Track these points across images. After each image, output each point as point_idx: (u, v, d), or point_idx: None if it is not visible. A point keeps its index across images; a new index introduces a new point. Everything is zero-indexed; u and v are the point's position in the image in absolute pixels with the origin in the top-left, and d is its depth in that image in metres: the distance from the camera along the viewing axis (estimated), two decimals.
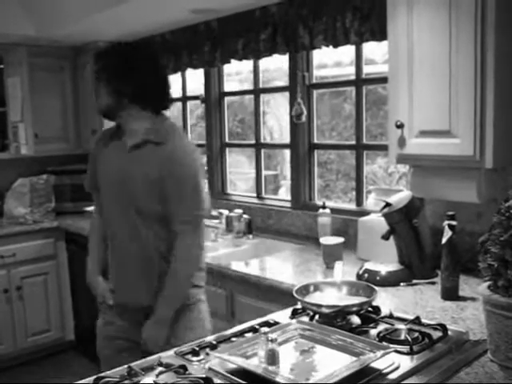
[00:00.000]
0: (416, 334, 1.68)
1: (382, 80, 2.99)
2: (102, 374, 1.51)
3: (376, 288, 1.90)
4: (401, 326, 1.73)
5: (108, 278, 2.29)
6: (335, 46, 2.92)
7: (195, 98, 4.23)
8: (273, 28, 3.21)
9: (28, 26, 3.94)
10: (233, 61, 3.53)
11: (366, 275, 2.39)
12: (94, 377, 1.49)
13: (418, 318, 1.80)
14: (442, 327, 1.71)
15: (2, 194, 4.47)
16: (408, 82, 2.24)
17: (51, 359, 4.32)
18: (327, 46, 2.95)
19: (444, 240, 2.15)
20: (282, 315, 1.95)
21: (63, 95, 4.64)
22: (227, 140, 4.09)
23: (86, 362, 4.18)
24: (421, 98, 2.21)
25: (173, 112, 4.91)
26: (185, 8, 3.32)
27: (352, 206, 3.25)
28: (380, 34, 2.66)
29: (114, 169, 2.17)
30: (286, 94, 3.58)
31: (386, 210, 2.45)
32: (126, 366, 1.53)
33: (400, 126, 2.26)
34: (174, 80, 4.48)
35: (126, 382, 1.46)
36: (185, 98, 4.40)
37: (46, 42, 4.28)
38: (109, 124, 4.37)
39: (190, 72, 4.18)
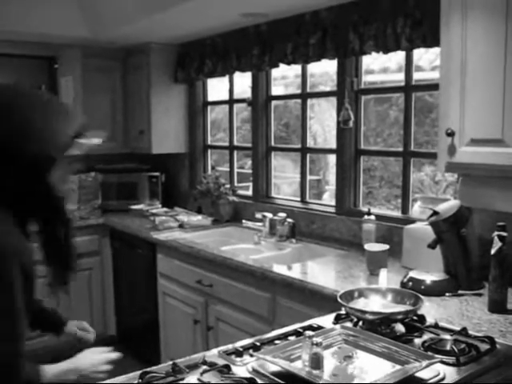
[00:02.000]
0: (462, 346, 1.65)
1: (432, 87, 2.97)
2: (148, 369, 1.54)
3: (421, 297, 1.88)
4: (447, 336, 1.71)
5: None
6: (385, 51, 2.90)
7: (242, 100, 4.26)
8: (322, 32, 3.21)
9: (83, 27, 4.04)
10: (281, 65, 3.54)
11: (411, 283, 2.36)
12: (140, 372, 1.52)
13: (464, 328, 1.77)
14: (490, 340, 1.68)
15: None
16: (460, 89, 2.20)
17: None
18: (377, 51, 2.93)
19: (493, 251, 2.11)
20: (326, 320, 1.94)
21: (113, 95, 4.74)
22: (273, 144, 4.10)
23: (127, 358, 4.23)
24: (473, 105, 2.17)
25: (218, 114, 4.97)
26: (235, 12, 3.36)
27: (397, 214, 3.22)
28: (432, 41, 2.63)
29: None
30: (331, 99, 3.57)
31: (433, 218, 2.42)
32: (171, 362, 1.56)
33: (450, 134, 2.22)
34: (221, 83, 4.54)
35: (170, 378, 1.49)
36: (232, 101, 4.43)
37: (100, 43, 4.39)
38: (157, 125, 4.48)
39: (236, 75, 4.20)
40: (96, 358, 1.74)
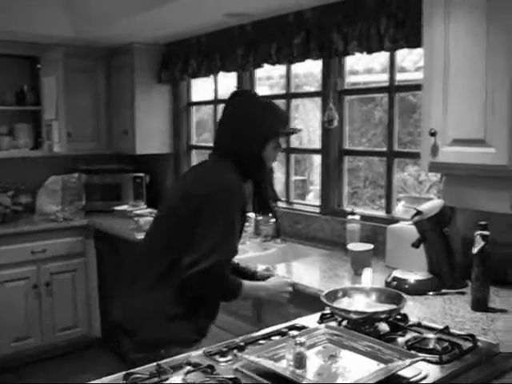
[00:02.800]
0: (445, 344, 1.66)
1: (415, 87, 2.98)
2: (132, 370, 1.53)
3: (405, 296, 1.89)
4: (430, 335, 1.72)
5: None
6: (369, 52, 2.91)
7: None
8: (306, 33, 3.21)
9: (66, 27, 4.01)
10: (265, 65, 3.54)
11: (395, 283, 2.37)
12: (124, 373, 1.51)
13: (447, 327, 1.78)
14: (472, 338, 1.70)
15: (34, 191, 4.55)
16: (443, 89, 2.22)
17: (77, 355, 4.38)
18: (361, 52, 2.95)
19: (476, 250, 2.13)
20: (310, 320, 1.95)
21: (96, 95, 4.71)
22: None
23: (111, 358, 4.22)
24: (455, 106, 2.19)
25: (203, 115, 4.96)
26: (220, 12, 3.35)
27: (381, 214, 3.23)
28: (415, 41, 2.64)
29: None
30: (316, 100, 3.58)
31: (416, 217, 2.44)
32: (155, 363, 1.55)
33: (433, 134, 2.24)
34: (206, 83, 4.52)
35: (154, 379, 1.48)
36: (216, 101, 4.42)
37: (83, 42, 4.36)
38: (141, 126, 4.46)
39: (220, 75, 4.19)
40: (281, 281, 2.25)
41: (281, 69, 3.75)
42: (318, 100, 3.51)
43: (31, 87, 4.65)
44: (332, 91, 3.33)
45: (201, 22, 3.70)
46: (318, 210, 3.53)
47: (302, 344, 1.46)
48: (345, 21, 3.00)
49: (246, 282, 2.07)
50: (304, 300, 2.45)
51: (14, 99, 4.55)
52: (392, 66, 3.10)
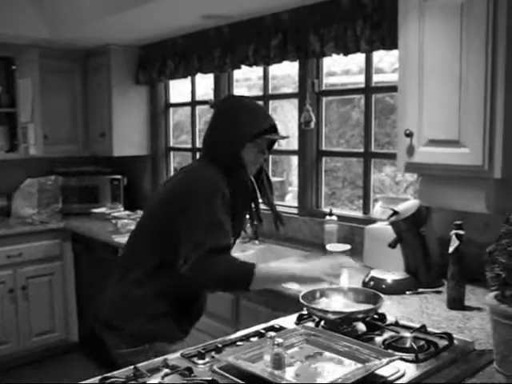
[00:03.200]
0: (422, 343, 1.68)
1: (392, 89, 3.01)
2: (108, 375, 1.52)
3: (382, 296, 1.90)
4: (406, 333, 1.73)
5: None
6: (346, 53, 2.93)
7: (204, 102, 4.25)
8: (283, 34, 3.23)
9: (42, 28, 3.97)
10: (243, 67, 3.54)
11: (372, 283, 2.39)
12: (100, 377, 1.50)
13: (423, 326, 1.80)
14: (448, 336, 1.71)
15: (10, 194, 4.50)
16: (418, 90, 2.25)
17: (54, 360, 4.32)
18: (338, 53, 2.97)
19: (451, 249, 2.15)
20: (288, 320, 1.95)
21: (73, 97, 4.67)
22: None
23: (89, 363, 4.18)
24: (430, 106, 2.22)
25: (181, 116, 4.94)
26: (196, 14, 3.35)
27: (359, 214, 3.25)
28: (391, 43, 2.67)
29: None
30: (294, 101, 3.58)
31: (393, 218, 2.45)
32: (132, 366, 1.54)
33: (409, 135, 2.27)
34: (184, 85, 4.51)
35: (131, 382, 1.47)
36: (194, 103, 4.41)
37: (59, 44, 4.32)
38: (118, 127, 4.42)
39: (198, 77, 4.19)
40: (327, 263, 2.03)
41: (259, 70, 3.76)
42: (296, 101, 3.52)
43: (6, 89, 4.59)
44: (309, 92, 3.34)
45: (178, 24, 3.68)
46: (296, 211, 3.54)
47: (279, 345, 1.46)
48: (321, 22, 3.02)
49: (264, 267, 1.93)
50: (283, 301, 2.46)
51: None
52: (368, 68, 3.12)
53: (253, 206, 2.21)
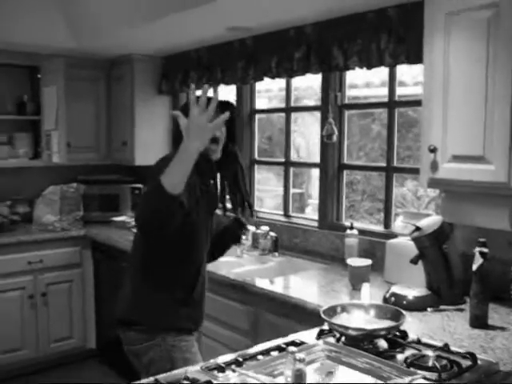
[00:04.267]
0: (444, 362, 1.65)
1: (415, 103, 3.00)
2: None
3: (404, 312, 1.89)
4: (429, 352, 1.71)
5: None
6: (369, 67, 2.92)
7: None
8: (307, 47, 3.23)
9: (68, 37, 4.02)
10: (266, 78, 3.55)
11: (393, 299, 2.37)
12: None
13: (446, 345, 1.77)
14: (472, 356, 1.69)
15: (32, 201, 4.54)
16: (443, 106, 2.24)
17: (72, 366, 4.34)
18: (361, 67, 2.96)
19: (475, 267, 2.13)
20: (308, 335, 1.93)
21: (96, 106, 4.71)
22: (256, 157, 4.11)
23: (106, 370, 4.20)
24: (455, 122, 2.20)
25: None
26: (222, 26, 3.37)
27: (380, 228, 3.23)
28: (415, 57, 2.66)
29: None
30: (315, 113, 3.58)
31: (415, 233, 2.43)
32: (152, 378, 1.54)
33: (433, 150, 2.25)
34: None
35: None
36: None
37: (83, 53, 4.37)
38: (140, 137, 4.45)
39: (220, 88, 4.20)
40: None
41: (280, 81, 3.76)
42: (318, 113, 3.52)
43: (31, 97, 4.66)
44: (331, 105, 3.34)
45: (202, 35, 3.71)
46: (316, 224, 3.53)
47: (301, 360, 1.45)
48: (345, 35, 3.01)
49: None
50: (302, 314, 2.45)
51: (15, 109, 4.56)
52: (392, 81, 3.11)
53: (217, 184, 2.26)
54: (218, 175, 2.27)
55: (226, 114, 1.76)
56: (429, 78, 2.29)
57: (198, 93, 1.77)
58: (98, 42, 3.97)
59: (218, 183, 2.28)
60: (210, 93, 1.77)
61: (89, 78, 4.64)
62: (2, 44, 4.01)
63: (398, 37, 2.76)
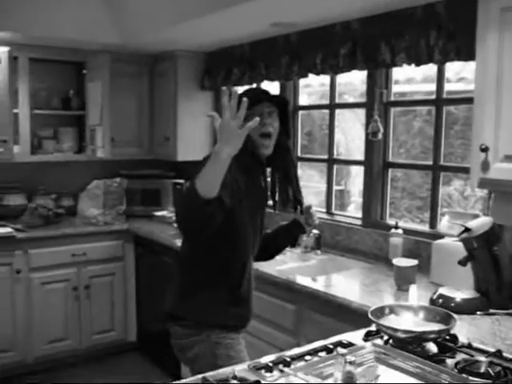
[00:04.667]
0: (498, 369, 1.61)
1: (465, 100, 2.93)
2: (177, 382, 1.52)
3: (455, 316, 1.84)
4: (481, 358, 1.66)
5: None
6: (418, 64, 2.86)
7: None
8: (353, 43, 3.18)
9: (113, 33, 4.06)
10: (310, 75, 3.52)
11: (441, 301, 2.32)
12: None
13: (499, 351, 1.73)
14: None
15: (77, 195, 4.63)
16: (495, 105, 2.17)
17: (112, 358, 4.41)
18: (409, 64, 2.90)
19: None
20: (355, 336, 1.91)
21: (140, 101, 4.76)
22: (299, 154, 4.08)
23: (146, 363, 4.25)
24: (508, 121, 2.14)
25: None
26: (266, 21, 3.35)
27: (425, 228, 3.17)
28: (466, 54, 2.60)
29: None
30: (355, 110, 3.52)
31: (464, 235, 2.38)
32: (200, 375, 1.54)
33: (484, 150, 2.19)
34: None
35: None
36: None
37: (128, 49, 4.41)
38: (182, 132, 4.48)
39: (263, 84, 4.19)
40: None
41: (320, 77, 3.72)
42: (357, 110, 3.47)
43: (77, 92, 4.73)
44: (377, 103, 3.29)
45: (245, 31, 3.70)
46: (359, 222, 3.49)
47: (352, 363, 1.44)
48: (393, 32, 2.96)
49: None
50: (345, 314, 2.42)
51: (60, 104, 4.64)
52: (440, 79, 3.05)
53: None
54: (269, 171, 2.24)
55: (257, 119, 1.71)
56: (481, 75, 2.23)
57: (239, 89, 1.75)
58: (143, 38, 4.01)
59: (269, 179, 2.24)
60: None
61: (132, 73, 4.68)
62: (48, 40, 4.09)
63: (447, 33, 2.69)
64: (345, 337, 1.90)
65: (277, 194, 2.24)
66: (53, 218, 4.35)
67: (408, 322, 1.89)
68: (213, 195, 1.70)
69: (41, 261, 4.07)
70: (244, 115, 1.67)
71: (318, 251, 3.43)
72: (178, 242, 3.72)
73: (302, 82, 4.08)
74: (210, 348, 2.09)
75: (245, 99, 1.66)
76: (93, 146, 4.61)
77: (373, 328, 1.92)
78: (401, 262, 2.66)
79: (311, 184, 4.60)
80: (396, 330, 1.77)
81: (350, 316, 2.39)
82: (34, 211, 4.24)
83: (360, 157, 3.55)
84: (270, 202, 2.26)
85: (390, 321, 1.88)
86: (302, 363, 1.64)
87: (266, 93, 2.18)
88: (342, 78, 3.84)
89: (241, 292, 2.15)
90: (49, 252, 4.10)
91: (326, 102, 3.84)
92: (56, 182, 4.68)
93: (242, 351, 2.15)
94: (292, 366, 1.62)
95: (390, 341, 1.83)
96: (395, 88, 3.44)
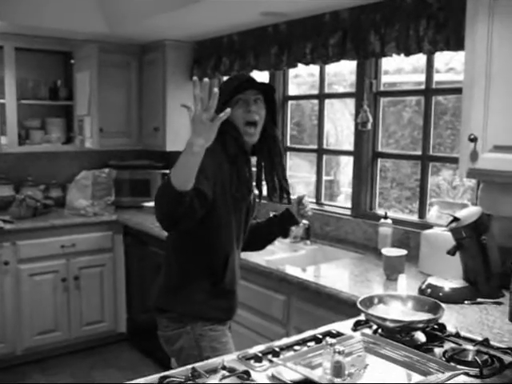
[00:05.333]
0: (485, 357, 1.62)
1: (454, 91, 2.94)
2: (167, 373, 1.52)
3: (443, 305, 1.85)
4: (469, 346, 1.68)
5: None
6: (407, 54, 2.86)
7: None
8: (343, 33, 3.17)
9: (100, 23, 4.02)
10: (299, 65, 3.51)
11: (429, 290, 2.33)
12: (159, 375, 1.50)
13: (486, 339, 1.74)
14: None
15: (65, 186, 4.60)
16: (484, 94, 2.18)
17: (102, 349, 4.40)
18: (398, 53, 2.90)
19: None
20: (344, 326, 1.92)
21: (128, 91, 4.72)
22: (289, 144, 4.08)
23: (136, 354, 4.25)
24: (496, 111, 2.14)
25: None
26: (255, 11, 3.33)
27: (414, 218, 3.18)
28: (455, 44, 2.59)
29: None
30: (344, 100, 3.51)
31: (453, 224, 2.39)
32: (190, 366, 1.54)
33: (473, 140, 2.20)
34: None
35: (189, 382, 1.47)
36: None
37: (116, 38, 4.38)
38: (172, 122, 4.45)
39: (253, 74, 4.18)
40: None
41: (309, 67, 3.70)
42: (347, 100, 3.47)
43: (64, 82, 4.69)
44: (367, 92, 3.29)
45: (235, 21, 3.67)
46: (349, 213, 3.49)
47: (341, 352, 1.44)
48: (382, 21, 2.95)
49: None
50: (335, 304, 2.43)
51: (48, 94, 4.59)
52: (429, 69, 3.05)
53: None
54: (255, 159, 2.21)
55: (228, 110, 1.69)
56: (470, 64, 2.23)
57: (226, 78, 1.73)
58: (131, 27, 3.97)
59: (255, 168, 2.21)
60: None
61: (121, 63, 4.64)
62: (35, 30, 4.04)
63: (437, 23, 2.69)
64: (334, 326, 1.90)
65: (262, 184, 2.22)
66: (41, 209, 4.32)
67: (397, 311, 1.89)
68: (188, 188, 1.69)
69: (29, 252, 4.04)
70: (218, 105, 1.66)
71: (308, 241, 3.43)
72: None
73: (292, 72, 4.07)
74: (194, 340, 2.08)
75: (215, 90, 1.64)
76: (81, 137, 4.57)
77: (362, 318, 1.93)
78: (390, 251, 2.67)
79: (301, 174, 4.60)
80: (385, 320, 1.78)
81: (339, 306, 2.40)
82: (22, 202, 4.20)
83: (349, 147, 3.55)
84: (256, 192, 2.24)
85: (379, 310, 1.89)
86: (291, 353, 1.64)
87: (251, 80, 2.15)
88: (332, 68, 3.83)
89: (225, 284, 2.12)
90: (37, 243, 4.07)
91: (316, 92, 3.83)
92: (44, 172, 4.66)
93: (228, 343, 2.14)
94: (281, 356, 1.62)
95: (379, 330, 1.84)
96: (385, 78, 3.44)
